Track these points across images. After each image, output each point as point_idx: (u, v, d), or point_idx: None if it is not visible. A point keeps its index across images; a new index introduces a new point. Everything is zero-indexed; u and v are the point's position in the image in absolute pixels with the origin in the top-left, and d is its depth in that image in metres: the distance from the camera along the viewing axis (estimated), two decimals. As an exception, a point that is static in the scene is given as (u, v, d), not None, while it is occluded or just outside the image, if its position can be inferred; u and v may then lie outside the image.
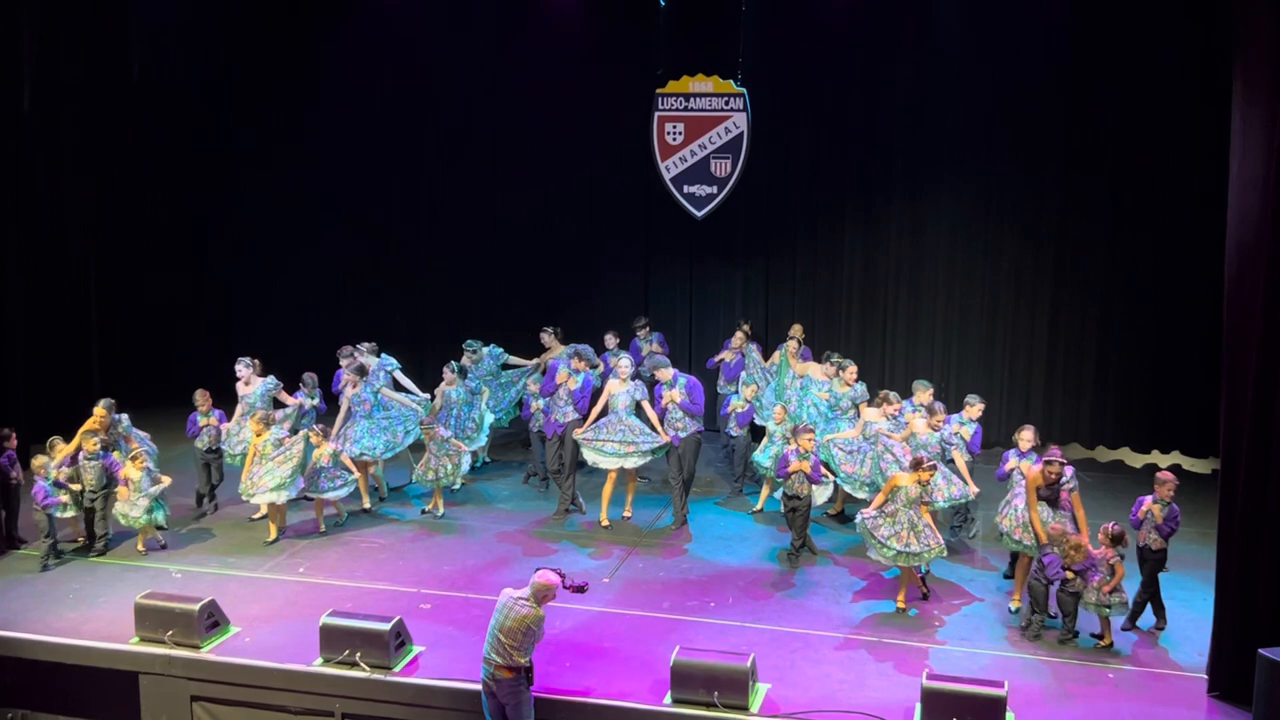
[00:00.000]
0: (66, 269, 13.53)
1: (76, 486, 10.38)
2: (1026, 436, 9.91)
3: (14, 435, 10.64)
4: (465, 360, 12.47)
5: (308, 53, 14.78)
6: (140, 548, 10.52)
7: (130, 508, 10.34)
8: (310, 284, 15.08)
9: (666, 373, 11.20)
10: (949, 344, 13.83)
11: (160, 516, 10.51)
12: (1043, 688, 8.18)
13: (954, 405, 11.24)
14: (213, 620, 8.68)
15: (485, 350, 12.79)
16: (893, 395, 10.88)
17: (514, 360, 13.03)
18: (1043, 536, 8.96)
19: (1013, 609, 9.41)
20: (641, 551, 10.69)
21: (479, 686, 7.50)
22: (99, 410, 10.75)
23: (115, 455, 10.56)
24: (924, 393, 10.92)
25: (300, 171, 14.87)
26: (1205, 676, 8.19)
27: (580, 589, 7.54)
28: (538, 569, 7.43)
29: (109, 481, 10.41)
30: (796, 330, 12.87)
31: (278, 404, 11.67)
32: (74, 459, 10.44)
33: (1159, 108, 12.51)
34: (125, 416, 11.12)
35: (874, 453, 10.65)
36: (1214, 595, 8.16)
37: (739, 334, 12.77)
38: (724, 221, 14.00)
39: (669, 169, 13.91)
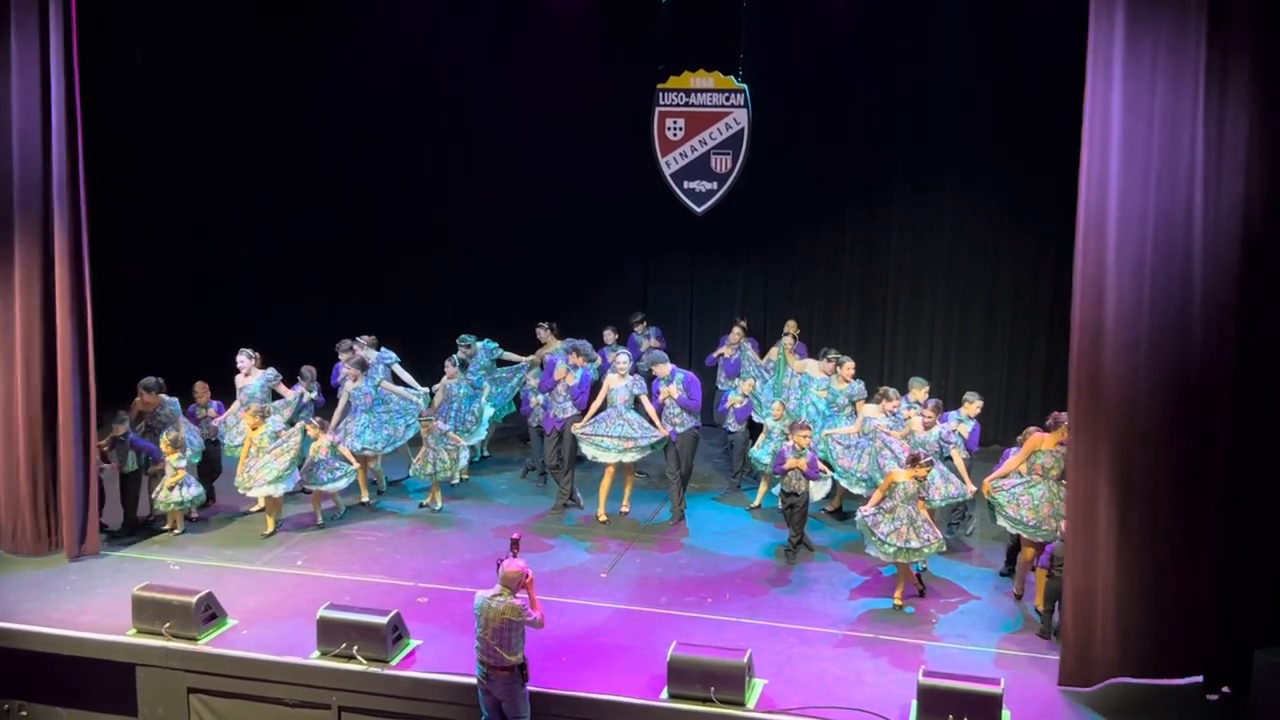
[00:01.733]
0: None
1: (111, 465, 10.55)
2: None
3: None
4: (460, 354, 12.49)
5: (307, 50, 14.74)
6: (176, 529, 10.72)
7: (180, 493, 10.56)
8: (307, 276, 15.05)
9: (664, 368, 11.20)
10: (948, 342, 13.83)
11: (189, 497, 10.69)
12: (1039, 685, 8.19)
13: (953, 403, 11.24)
14: (210, 612, 8.67)
15: (479, 345, 12.79)
16: (892, 392, 10.90)
17: (508, 356, 13.03)
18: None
19: (1018, 594, 9.54)
20: (639, 547, 10.70)
21: (475, 681, 7.52)
22: (140, 389, 10.90)
23: (165, 437, 10.64)
24: (919, 390, 10.96)
25: (299, 165, 14.84)
26: (1200, 678, 8.19)
27: (514, 542, 7.60)
28: (498, 562, 7.45)
29: (144, 463, 10.54)
30: (791, 326, 12.88)
31: (276, 396, 11.68)
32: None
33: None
34: (175, 400, 11.18)
35: (872, 449, 10.67)
36: (1069, 587, 8.19)
37: (736, 330, 12.78)
38: (724, 217, 14.00)
39: (669, 164, 13.91)
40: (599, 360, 12.03)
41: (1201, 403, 7.85)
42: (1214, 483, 7.91)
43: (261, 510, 11.02)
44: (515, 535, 7.72)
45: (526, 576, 7.36)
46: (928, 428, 10.40)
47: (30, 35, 9.57)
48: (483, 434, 12.34)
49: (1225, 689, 8.07)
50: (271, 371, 11.69)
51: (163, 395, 11.01)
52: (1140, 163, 7.73)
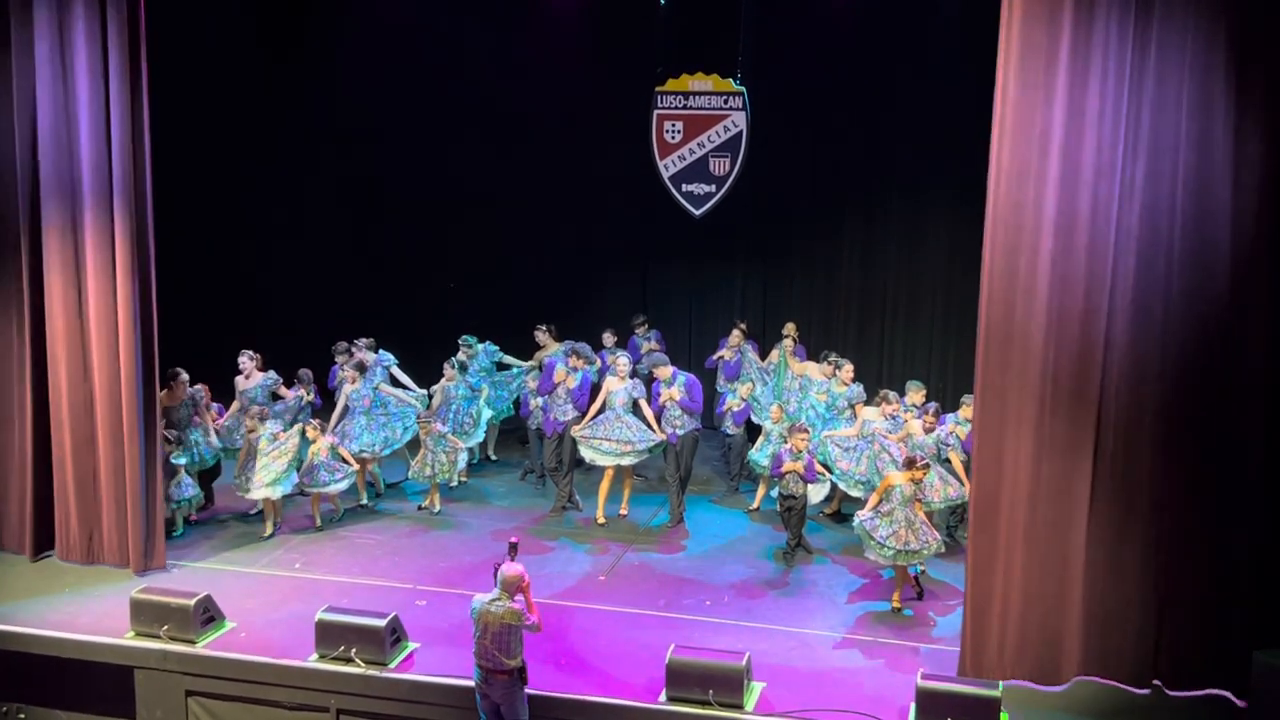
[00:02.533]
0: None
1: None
2: None
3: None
4: (461, 355, 12.49)
5: (305, 53, 14.73)
6: (175, 530, 10.72)
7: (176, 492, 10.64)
8: (305, 279, 15.03)
9: (665, 370, 11.21)
10: (946, 344, 13.81)
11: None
12: (1037, 688, 8.18)
13: (950, 405, 11.25)
14: (208, 615, 8.67)
15: (480, 347, 12.80)
16: (892, 395, 10.91)
17: (509, 360, 13.04)
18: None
19: None
20: (637, 549, 10.70)
21: (473, 684, 7.52)
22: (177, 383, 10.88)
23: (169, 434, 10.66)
24: (916, 393, 10.97)
25: (296, 169, 14.83)
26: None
27: (513, 545, 7.63)
28: (496, 566, 7.47)
29: None
30: (790, 329, 12.89)
31: (276, 398, 11.68)
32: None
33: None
34: (200, 389, 11.19)
35: (870, 451, 10.67)
36: (968, 584, 8.22)
37: (736, 332, 12.77)
38: (723, 220, 13.98)
39: (668, 167, 13.90)
40: (598, 363, 12.04)
41: (1111, 405, 7.93)
42: (1136, 487, 7.97)
43: (259, 513, 11.01)
44: (513, 539, 7.73)
45: (524, 580, 7.36)
46: (929, 432, 10.41)
47: (94, 35, 9.43)
48: (480, 436, 12.35)
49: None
50: (272, 374, 11.69)
51: (188, 389, 11.02)
52: (1056, 158, 7.77)
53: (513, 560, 7.48)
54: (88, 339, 9.76)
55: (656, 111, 13.83)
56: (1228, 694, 8.00)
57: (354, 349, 12.16)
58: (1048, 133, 7.76)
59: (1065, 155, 7.75)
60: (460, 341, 12.68)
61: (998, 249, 7.86)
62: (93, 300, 9.70)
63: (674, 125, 13.82)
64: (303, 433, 10.93)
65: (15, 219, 9.81)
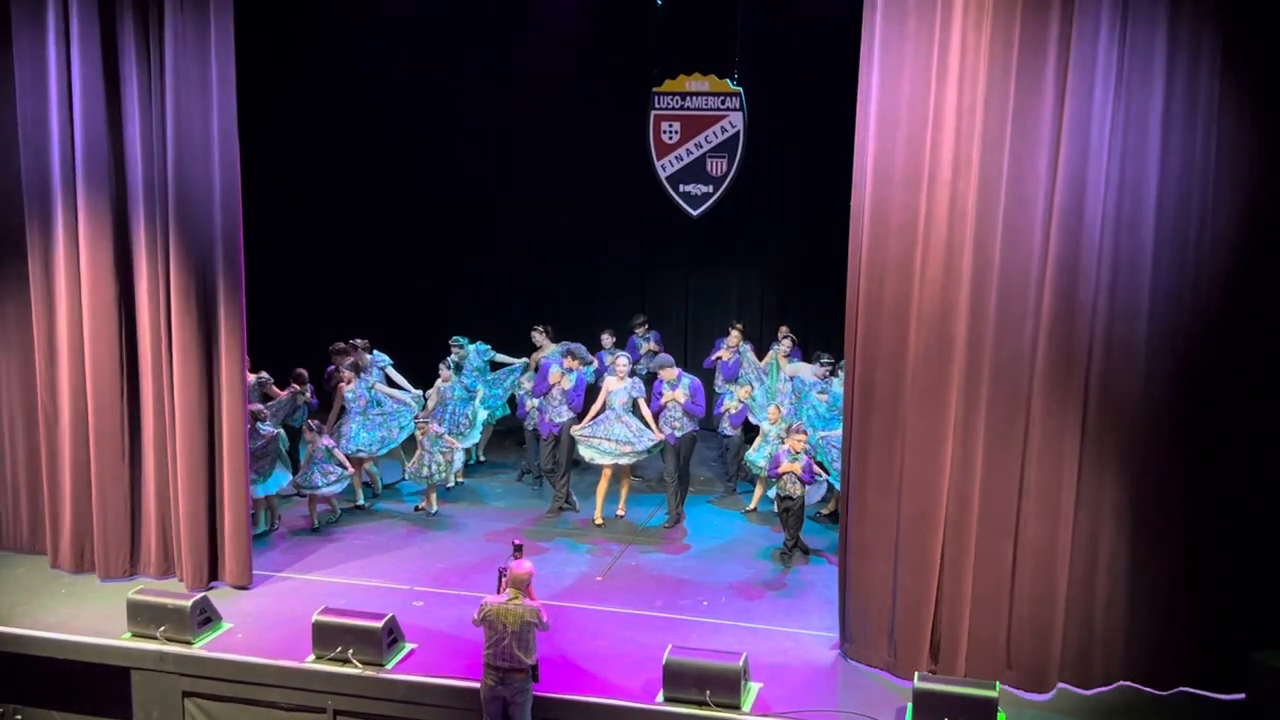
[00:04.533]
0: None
1: None
2: None
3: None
4: (453, 356, 12.49)
5: (301, 55, 14.70)
6: None
7: None
8: (301, 280, 15.01)
9: (671, 372, 11.20)
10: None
11: None
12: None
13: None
14: (205, 616, 8.67)
15: (471, 348, 12.78)
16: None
17: (501, 358, 13.04)
18: None
19: None
20: (635, 550, 10.70)
21: (471, 684, 7.53)
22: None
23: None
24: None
25: (287, 167, 14.80)
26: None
27: (518, 546, 7.72)
28: (500, 569, 7.48)
29: None
30: (786, 330, 12.89)
31: (266, 398, 11.67)
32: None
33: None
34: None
35: (867, 453, 10.68)
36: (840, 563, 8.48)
37: (734, 333, 12.77)
38: (720, 220, 14.00)
39: (665, 168, 13.91)
40: (594, 363, 12.04)
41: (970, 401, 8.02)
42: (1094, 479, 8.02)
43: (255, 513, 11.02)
44: (517, 540, 7.75)
45: (531, 579, 7.42)
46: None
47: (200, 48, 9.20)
48: (476, 437, 12.35)
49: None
50: (264, 375, 11.67)
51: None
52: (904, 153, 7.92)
53: (518, 560, 7.49)
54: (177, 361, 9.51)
55: (654, 112, 13.84)
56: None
57: (350, 349, 12.14)
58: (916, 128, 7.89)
59: (935, 150, 7.88)
60: (451, 342, 12.68)
61: (864, 246, 8.02)
62: (175, 316, 9.47)
63: (671, 126, 13.83)
64: (301, 433, 10.90)
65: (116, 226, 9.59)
